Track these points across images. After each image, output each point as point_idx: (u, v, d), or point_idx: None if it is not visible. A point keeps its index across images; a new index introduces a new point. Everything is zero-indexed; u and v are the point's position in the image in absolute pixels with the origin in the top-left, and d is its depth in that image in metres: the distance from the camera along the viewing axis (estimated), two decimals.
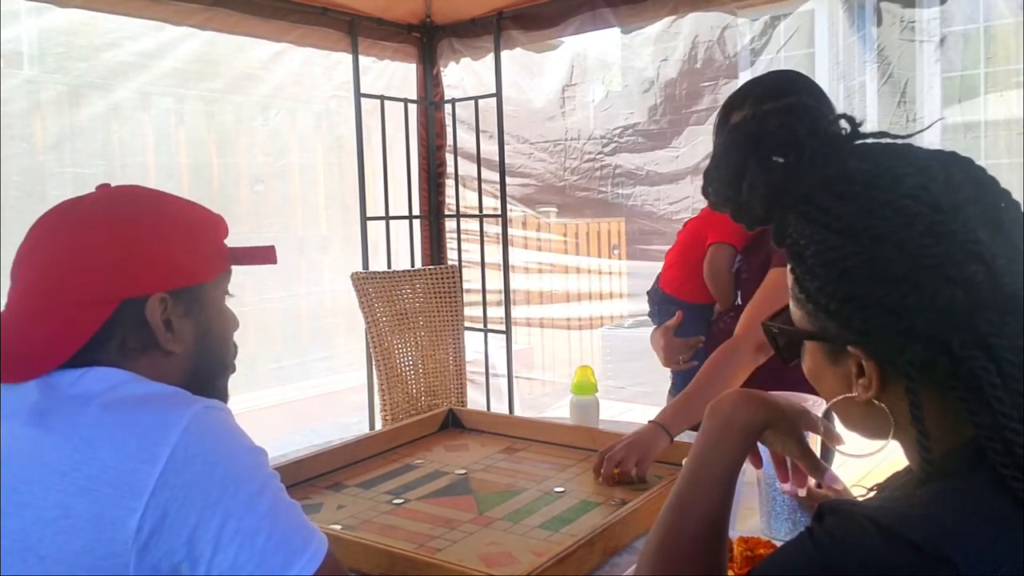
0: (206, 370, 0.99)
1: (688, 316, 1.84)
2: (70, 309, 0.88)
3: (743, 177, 0.78)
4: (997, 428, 0.66)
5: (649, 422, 1.58)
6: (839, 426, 0.87)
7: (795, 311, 0.80)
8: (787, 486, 1.14)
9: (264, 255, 1.04)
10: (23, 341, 0.88)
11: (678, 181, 5.86)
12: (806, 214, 0.74)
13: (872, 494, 0.84)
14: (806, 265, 0.74)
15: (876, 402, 0.74)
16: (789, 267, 0.78)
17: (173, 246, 0.94)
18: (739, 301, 1.82)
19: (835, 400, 0.78)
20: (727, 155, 0.81)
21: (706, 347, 1.83)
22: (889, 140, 0.76)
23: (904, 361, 0.69)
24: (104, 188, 0.98)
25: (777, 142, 0.77)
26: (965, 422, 0.70)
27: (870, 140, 0.77)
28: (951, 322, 0.67)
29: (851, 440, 0.90)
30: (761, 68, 5.91)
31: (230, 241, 1.04)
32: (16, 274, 0.93)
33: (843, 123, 0.77)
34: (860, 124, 0.77)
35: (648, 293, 2.04)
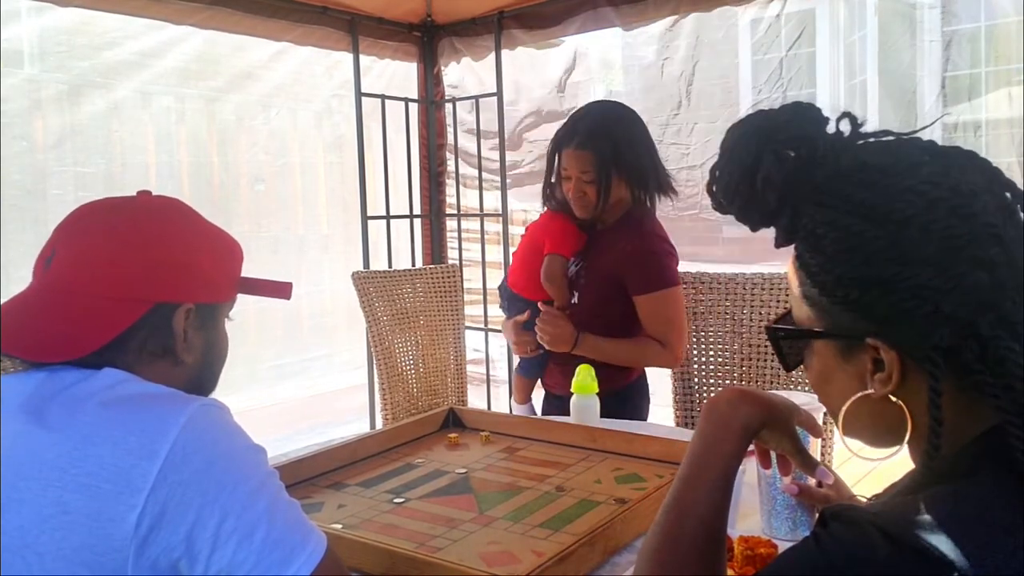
0: (203, 384, 1.02)
1: (533, 311, 2.15)
2: (106, 302, 0.91)
3: (757, 170, 0.77)
4: (1021, 412, 0.65)
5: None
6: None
7: (802, 311, 0.79)
8: (787, 481, 1.14)
9: (279, 290, 1.09)
10: (55, 323, 0.90)
11: (679, 180, 5.85)
12: (824, 203, 0.73)
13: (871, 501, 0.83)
14: (826, 255, 0.73)
15: (892, 398, 0.73)
16: (798, 264, 0.77)
17: (208, 262, 0.99)
18: (575, 300, 2.14)
19: (853, 399, 0.76)
20: (737, 149, 0.79)
21: None
22: (893, 137, 0.76)
23: (929, 346, 0.68)
24: (146, 195, 1.02)
25: (789, 135, 0.77)
26: (970, 422, 0.69)
27: (872, 139, 0.76)
28: (977, 304, 0.67)
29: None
30: (763, 67, 5.91)
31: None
32: (51, 256, 0.94)
33: (846, 121, 0.77)
34: (862, 124, 0.77)
35: (499, 288, 2.32)
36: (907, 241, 0.68)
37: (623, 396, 2.12)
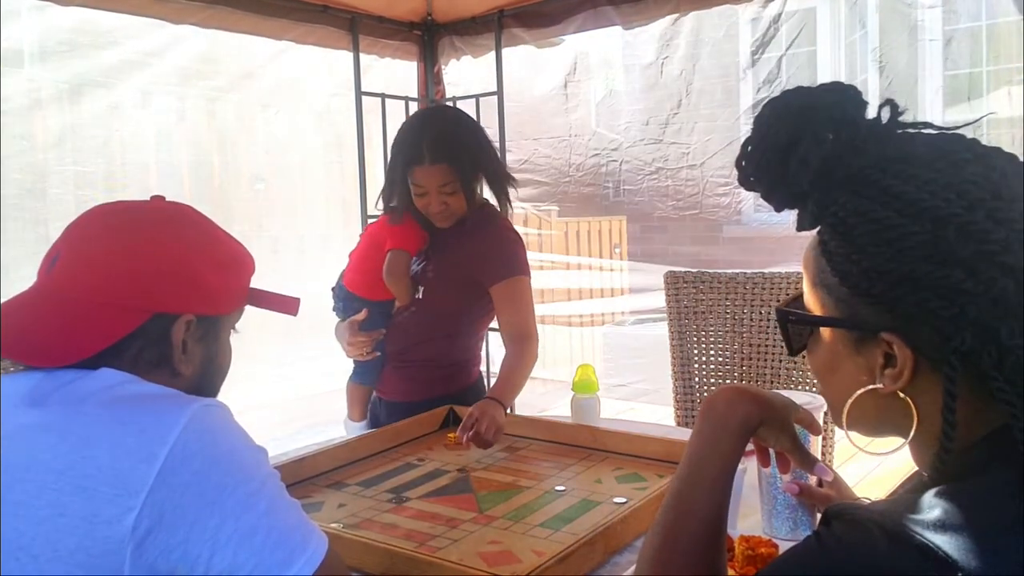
0: (201, 396, 1.00)
1: (371, 312, 2.10)
2: (104, 310, 0.90)
3: (794, 149, 0.75)
4: None
5: (486, 397, 1.82)
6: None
7: (817, 297, 0.77)
8: (787, 478, 1.14)
9: (287, 305, 1.09)
10: (51, 328, 0.89)
11: (679, 179, 5.85)
12: (859, 192, 0.71)
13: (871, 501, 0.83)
14: (855, 245, 0.71)
15: (900, 395, 0.72)
16: (820, 251, 0.75)
17: (213, 273, 0.97)
18: (419, 295, 2.09)
19: (859, 392, 0.75)
20: (774, 125, 0.77)
21: (386, 339, 2.12)
22: (935, 130, 0.75)
23: (949, 349, 0.67)
24: (159, 200, 1.01)
25: (830, 117, 0.74)
26: (977, 423, 0.69)
27: (912, 130, 0.75)
28: (1001, 311, 0.66)
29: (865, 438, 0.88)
30: (763, 66, 5.91)
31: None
32: (56, 257, 0.93)
33: (887, 108, 0.75)
34: (903, 112, 0.75)
35: (332, 290, 2.22)
36: (943, 241, 0.67)
37: (461, 400, 2.04)
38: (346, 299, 2.15)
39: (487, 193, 2.16)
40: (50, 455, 0.79)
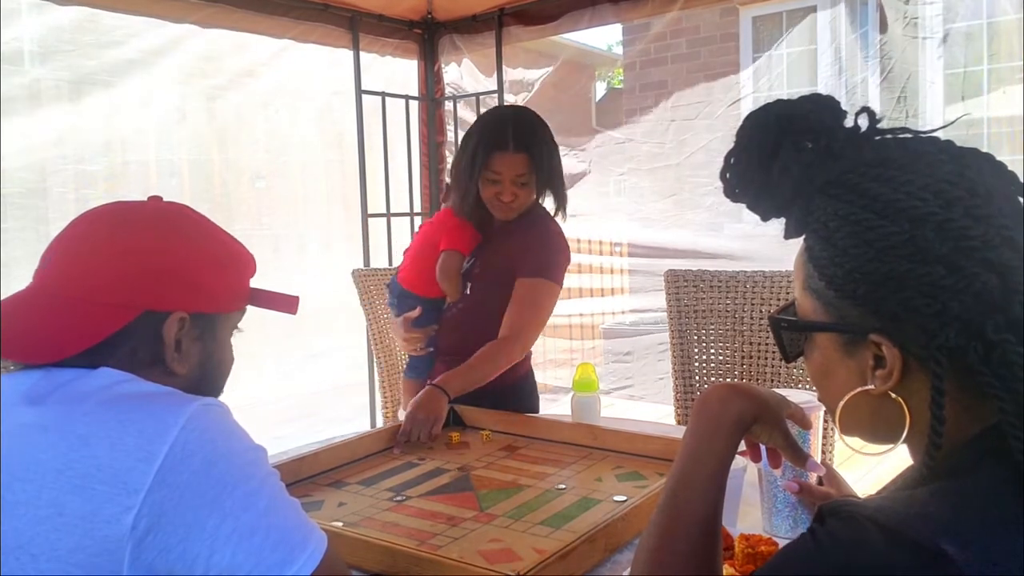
0: (201, 395, 1.00)
1: (423, 308, 2.17)
2: (91, 307, 0.90)
3: (774, 159, 0.77)
4: (1023, 415, 0.65)
5: (429, 385, 1.89)
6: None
7: (807, 303, 0.78)
8: (779, 473, 1.14)
9: (286, 304, 1.08)
10: (39, 325, 0.89)
11: (680, 176, 5.85)
12: (839, 196, 0.73)
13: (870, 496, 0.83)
14: (837, 248, 0.72)
15: (892, 395, 0.73)
16: (807, 257, 0.77)
17: (208, 271, 0.97)
18: (467, 291, 2.14)
19: (852, 393, 0.76)
20: (755, 136, 0.79)
21: (438, 335, 2.19)
22: (911, 134, 0.76)
23: (935, 346, 0.68)
24: (156, 200, 1.01)
25: (808, 126, 0.76)
26: (970, 420, 0.70)
27: (889, 135, 0.76)
28: (985, 306, 0.67)
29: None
30: (763, 64, 5.91)
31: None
32: (51, 256, 0.94)
33: (864, 116, 0.77)
34: (880, 119, 0.76)
35: (388, 286, 2.32)
36: (922, 239, 0.68)
37: (512, 391, 2.12)
38: (400, 296, 2.22)
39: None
40: (49, 454, 0.79)
